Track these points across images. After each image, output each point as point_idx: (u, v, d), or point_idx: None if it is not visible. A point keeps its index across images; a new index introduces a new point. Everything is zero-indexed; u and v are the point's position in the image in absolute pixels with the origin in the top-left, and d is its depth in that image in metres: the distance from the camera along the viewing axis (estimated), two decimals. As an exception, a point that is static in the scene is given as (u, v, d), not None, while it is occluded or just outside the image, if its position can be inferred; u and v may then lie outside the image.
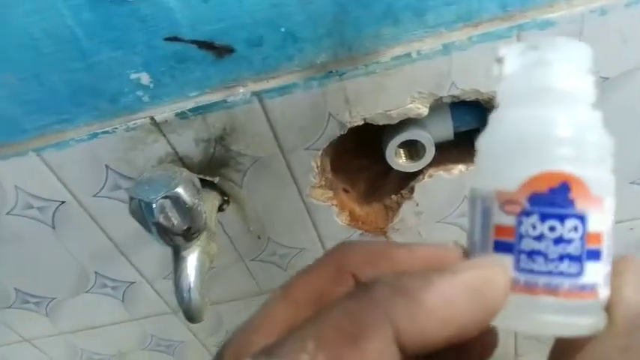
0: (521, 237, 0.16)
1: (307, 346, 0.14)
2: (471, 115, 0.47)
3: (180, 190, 0.39)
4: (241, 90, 0.42)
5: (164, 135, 0.44)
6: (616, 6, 0.38)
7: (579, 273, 0.16)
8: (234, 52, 0.40)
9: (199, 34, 0.39)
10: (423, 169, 0.48)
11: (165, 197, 0.39)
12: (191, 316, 0.43)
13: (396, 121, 0.44)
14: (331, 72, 0.41)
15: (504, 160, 0.17)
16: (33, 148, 0.45)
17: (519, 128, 0.17)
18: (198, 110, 0.43)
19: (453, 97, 0.43)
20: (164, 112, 0.43)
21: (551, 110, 0.17)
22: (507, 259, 0.16)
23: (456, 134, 0.47)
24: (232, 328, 0.68)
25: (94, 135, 0.44)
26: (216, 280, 0.59)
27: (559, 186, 0.16)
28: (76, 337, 0.67)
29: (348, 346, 0.14)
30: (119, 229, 0.52)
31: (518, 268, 0.16)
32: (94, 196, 0.49)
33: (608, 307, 0.17)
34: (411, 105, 0.43)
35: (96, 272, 0.57)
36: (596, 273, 0.16)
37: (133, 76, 0.41)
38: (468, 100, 0.43)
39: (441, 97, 0.43)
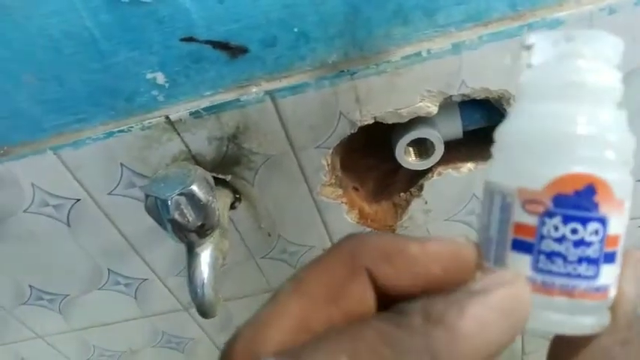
0: (542, 237, 0.16)
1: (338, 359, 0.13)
2: (480, 114, 0.47)
3: (194, 187, 0.40)
4: (254, 89, 0.43)
5: (178, 134, 0.45)
6: (625, 5, 0.38)
7: (596, 275, 0.16)
8: (248, 52, 0.41)
9: (214, 35, 0.40)
10: (432, 167, 0.49)
11: (181, 194, 0.39)
12: (204, 311, 0.43)
13: (406, 120, 0.45)
14: (342, 71, 0.42)
15: (529, 157, 0.17)
16: (51, 146, 0.46)
17: (546, 124, 0.17)
18: (212, 109, 0.44)
19: (463, 95, 0.43)
20: (179, 112, 0.44)
21: (580, 108, 0.17)
22: (526, 260, 0.16)
23: (465, 133, 0.48)
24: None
25: (110, 134, 0.45)
26: (227, 276, 0.59)
27: (585, 188, 0.16)
28: (88, 334, 0.68)
29: None
30: (133, 226, 0.53)
31: (537, 268, 0.16)
32: (109, 194, 0.49)
33: (612, 303, 0.17)
34: (420, 104, 0.43)
35: (109, 269, 0.58)
36: (610, 275, 0.17)
37: (149, 75, 0.42)
38: (477, 98, 0.44)
39: (451, 96, 0.43)
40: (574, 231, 0.16)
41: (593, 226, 0.16)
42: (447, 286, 0.16)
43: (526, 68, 0.18)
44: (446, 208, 0.53)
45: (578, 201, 0.16)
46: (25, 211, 0.51)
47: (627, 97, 0.43)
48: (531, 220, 0.16)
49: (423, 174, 0.51)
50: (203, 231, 0.42)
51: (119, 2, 0.38)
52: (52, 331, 0.67)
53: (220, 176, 0.48)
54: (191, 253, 0.43)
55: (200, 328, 0.68)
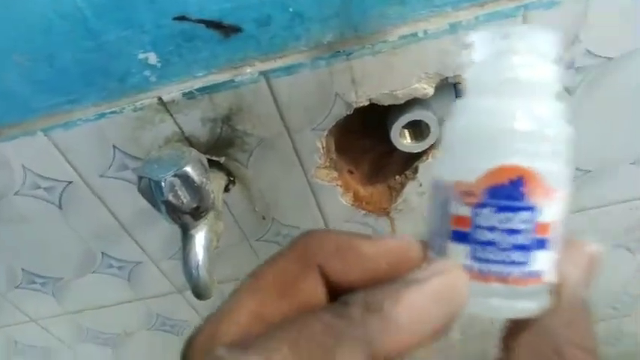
0: (476, 227, 0.17)
1: (282, 348, 0.14)
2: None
3: (188, 168, 0.40)
4: (248, 70, 0.42)
5: (171, 115, 0.44)
6: (621, -15, 0.38)
7: (528, 262, 0.17)
8: (242, 32, 0.40)
9: (207, 14, 0.39)
10: (427, 149, 0.49)
11: (175, 176, 0.39)
12: (199, 293, 0.43)
13: (402, 102, 0.44)
14: (338, 52, 0.41)
15: (466, 152, 0.17)
16: (41, 127, 0.45)
17: (481, 120, 0.17)
18: (205, 90, 0.43)
19: (459, 77, 0.43)
20: (171, 92, 0.43)
21: (513, 102, 0.17)
22: (463, 249, 0.17)
23: (460, 115, 0.48)
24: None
25: (102, 115, 0.44)
26: (221, 259, 0.59)
27: (515, 180, 0.17)
28: (82, 317, 0.68)
29: (322, 356, 0.14)
30: (125, 209, 0.53)
31: (474, 257, 0.17)
32: (101, 176, 0.49)
33: (556, 287, 0.18)
34: (416, 85, 0.43)
35: (102, 252, 0.58)
36: (542, 261, 0.17)
37: (141, 55, 0.41)
38: (473, 80, 0.44)
39: (447, 78, 0.43)
40: (505, 220, 0.17)
41: (522, 215, 0.17)
42: (392, 277, 0.17)
43: (467, 67, 0.19)
44: (440, 190, 0.53)
45: (508, 192, 0.17)
46: (16, 194, 0.51)
47: (624, 78, 0.43)
48: (466, 212, 0.17)
49: (418, 156, 0.50)
50: (197, 213, 0.42)
51: (110, -21, 0.37)
52: (45, 315, 0.67)
53: (214, 158, 0.48)
54: (185, 235, 0.43)
55: (194, 310, 0.68)
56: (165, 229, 0.55)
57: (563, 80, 0.18)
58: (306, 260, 0.18)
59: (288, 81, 0.43)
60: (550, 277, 0.18)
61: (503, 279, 0.17)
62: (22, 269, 0.60)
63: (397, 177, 0.53)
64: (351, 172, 0.55)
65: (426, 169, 0.50)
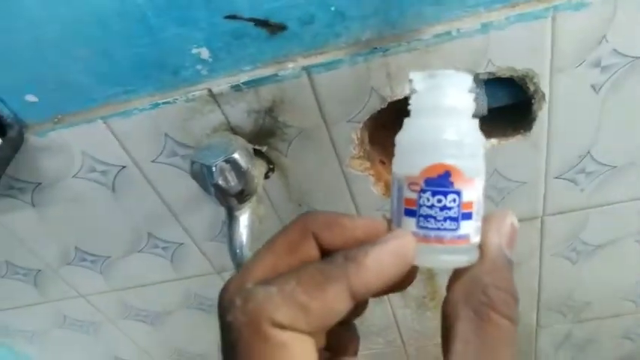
0: (420, 206, 0.24)
1: (291, 282, 0.21)
2: (505, 92, 0.50)
3: (236, 155, 0.44)
4: (291, 65, 0.46)
5: (219, 106, 0.48)
6: (648, -12, 0.40)
7: (457, 228, 0.24)
8: (287, 30, 0.44)
9: (256, 13, 0.43)
10: (457, 142, 0.51)
11: (224, 161, 0.43)
12: (242, 270, 0.47)
13: (434, 96, 0.47)
14: (375, 48, 0.44)
15: (411, 154, 0.25)
16: (100, 116, 0.49)
17: (422, 133, 0.25)
18: (251, 83, 0.47)
19: (489, 73, 0.45)
20: (220, 85, 0.47)
21: (442, 121, 0.24)
22: (412, 221, 0.24)
23: (489, 110, 0.50)
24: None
25: (156, 105, 0.48)
26: (259, 242, 0.63)
27: (443, 173, 0.24)
28: (126, 295, 0.73)
29: (316, 287, 0.21)
30: (173, 193, 0.57)
31: (419, 226, 0.24)
32: (153, 161, 0.53)
33: (480, 247, 0.25)
34: (448, 81, 0.46)
35: (149, 233, 0.62)
36: (468, 227, 0.24)
37: (194, 51, 0.45)
38: (502, 77, 0.46)
39: (478, 74, 0.45)
40: (439, 200, 0.24)
41: (451, 196, 0.24)
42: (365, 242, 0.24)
43: (411, 95, 0.26)
44: (468, 182, 0.55)
45: (440, 181, 0.24)
46: (74, 177, 0.55)
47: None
48: (413, 195, 0.24)
49: (447, 149, 0.53)
50: (243, 196, 0.45)
51: (171, -19, 0.41)
52: (93, 291, 0.72)
53: (256, 147, 0.52)
54: (231, 217, 0.46)
55: (230, 291, 0.72)
56: (208, 213, 0.59)
57: (474, 103, 0.26)
58: (305, 230, 0.24)
59: (327, 76, 0.46)
60: (475, 238, 0.25)
61: (440, 240, 0.24)
62: (75, 247, 0.65)
63: (427, 168, 0.55)
64: (383, 163, 0.57)
65: (455, 161, 0.53)
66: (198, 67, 0.46)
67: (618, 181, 0.55)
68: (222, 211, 0.50)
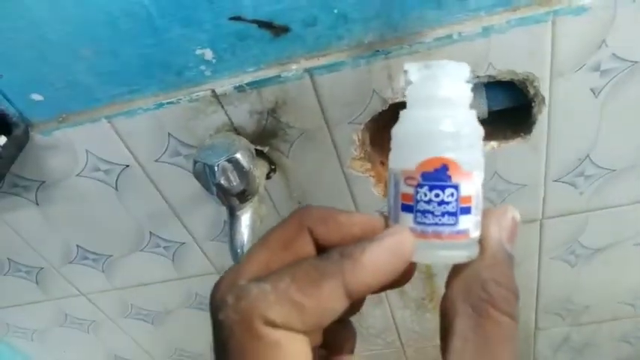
0: (417, 201, 0.23)
1: (285, 279, 0.21)
2: (505, 95, 0.50)
3: (239, 155, 0.44)
4: (294, 67, 0.46)
5: (222, 106, 0.49)
6: (647, -6, 0.40)
7: (455, 223, 0.23)
8: (290, 32, 0.44)
9: (260, 14, 0.43)
10: (457, 144, 0.52)
11: (227, 161, 0.43)
12: (243, 269, 0.47)
13: (435, 99, 0.47)
14: (377, 51, 0.45)
15: (407, 147, 0.24)
16: (105, 115, 0.50)
17: (417, 125, 0.24)
18: (254, 84, 0.47)
19: (490, 77, 0.46)
20: (224, 86, 0.47)
21: (438, 112, 0.24)
22: (410, 217, 0.24)
23: (489, 113, 0.51)
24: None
25: (160, 105, 0.49)
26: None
27: (440, 167, 0.23)
28: (127, 293, 0.73)
29: (311, 284, 0.21)
30: (175, 192, 0.57)
31: (416, 221, 0.24)
32: (156, 161, 0.54)
33: (480, 242, 0.24)
34: (449, 83, 0.46)
35: (151, 232, 0.63)
36: (467, 222, 0.24)
37: (198, 51, 0.45)
38: (503, 80, 0.47)
39: (478, 77, 0.46)
40: (437, 195, 0.23)
41: (449, 190, 0.23)
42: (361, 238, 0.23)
43: (406, 87, 0.25)
44: (468, 184, 0.55)
45: (437, 175, 0.23)
46: (77, 175, 0.56)
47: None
48: (410, 190, 0.24)
49: (448, 151, 0.53)
50: (244, 196, 0.46)
51: (176, -17, 0.41)
52: (94, 289, 0.73)
53: (259, 147, 0.52)
54: (233, 216, 0.47)
55: (230, 291, 0.72)
56: (209, 213, 0.60)
57: (471, 94, 0.25)
58: (300, 226, 0.24)
59: (329, 78, 0.47)
60: (475, 233, 0.24)
61: (438, 236, 0.23)
62: (77, 245, 0.65)
63: (427, 170, 0.56)
64: (383, 164, 0.58)
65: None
66: (202, 67, 0.47)
67: (617, 184, 0.56)
68: (223, 211, 0.51)
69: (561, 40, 0.44)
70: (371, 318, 0.77)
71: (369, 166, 0.55)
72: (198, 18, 0.43)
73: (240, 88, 0.47)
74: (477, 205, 0.24)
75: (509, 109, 0.51)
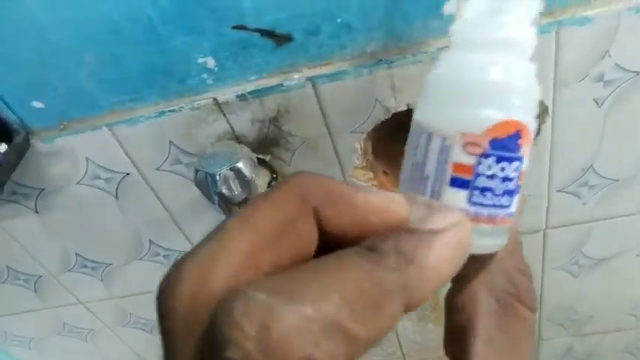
0: (477, 175, 0.18)
1: (332, 298, 0.14)
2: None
3: (241, 164, 0.44)
4: (296, 75, 0.46)
5: (224, 115, 0.48)
6: (652, 5, 0.40)
7: (510, 205, 0.19)
8: (293, 41, 0.44)
9: (263, 23, 0.43)
10: (460, 154, 0.52)
11: (229, 170, 0.43)
12: (244, 279, 0.47)
13: (438, 108, 0.47)
14: (380, 60, 0.45)
15: (469, 104, 0.18)
16: (106, 123, 0.50)
17: (477, 71, 0.18)
18: (256, 93, 0.47)
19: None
20: (226, 94, 0.47)
21: (509, 61, 0.19)
22: (462, 194, 0.19)
23: (492, 122, 0.50)
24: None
25: (162, 113, 0.48)
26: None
27: (514, 133, 0.18)
28: (126, 302, 0.73)
29: (372, 310, 0.14)
30: (176, 201, 0.57)
31: (471, 201, 0.19)
32: (157, 169, 0.53)
33: None
34: (452, 93, 0.46)
35: (150, 241, 0.62)
36: (515, 203, 0.20)
37: (201, 60, 0.45)
38: (506, 89, 0.46)
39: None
40: (502, 169, 0.18)
41: (515, 164, 0.19)
42: (379, 230, 0.17)
43: (459, 19, 0.20)
44: (471, 193, 0.55)
45: (508, 143, 0.18)
46: (77, 183, 0.56)
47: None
48: (470, 160, 0.18)
49: (450, 160, 0.53)
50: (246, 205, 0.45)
51: (179, -9, 0.41)
52: (92, 298, 0.72)
53: (260, 156, 0.52)
54: (234, 225, 0.46)
55: (230, 300, 0.72)
56: (209, 221, 0.59)
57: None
58: (303, 201, 0.16)
59: (332, 87, 0.46)
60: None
61: (492, 220, 0.19)
62: (76, 254, 0.65)
63: (430, 179, 0.55)
64: (385, 174, 0.58)
65: (458, 173, 0.53)
66: (204, 76, 0.46)
67: (621, 194, 0.55)
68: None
69: (565, 51, 0.43)
70: (372, 328, 0.77)
71: (371, 175, 0.55)
72: (200, 26, 0.43)
73: (242, 97, 0.47)
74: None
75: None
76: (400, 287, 0.15)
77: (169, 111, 0.48)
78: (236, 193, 0.44)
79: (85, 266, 0.67)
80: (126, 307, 0.74)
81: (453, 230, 0.16)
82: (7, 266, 0.67)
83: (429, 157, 0.19)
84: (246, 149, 0.45)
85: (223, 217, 0.48)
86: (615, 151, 0.51)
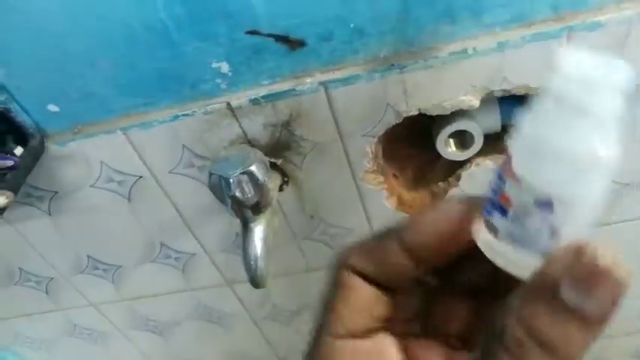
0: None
1: (369, 239, 0.22)
2: (518, 109, 0.50)
3: (254, 168, 0.44)
4: (309, 80, 0.47)
5: (237, 119, 0.49)
6: (663, 10, 0.40)
7: None
8: (306, 46, 0.45)
9: (276, 29, 0.44)
10: (471, 158, 0.52)
11: (242, 173, 0.43)
12: (256, 282, 0.48)
13: (449, 112, 0.48)
14: (392, 65, 0.45)
15: (564, 171, 0.18)
16: (120, 127, 0.50)
17: (584, 145, 0.18)
18: (269, 97, 0.47)
19: (504, 91, 0.46)
20: (239, 99, 0.48)
21: (613, 137, 0.18)
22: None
23: (502, 126, 0.51)
24: (280, 303, 0.73)
25: (176, 117, 0.49)
26: (271, 256, 0.63)
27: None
28: (136, 304, 0.73)
29: (380, 239, 0.22)
30: (188, 204, 0.58)
31: None
32: (170, 172, 0.54)
33: None
34: (463, 97, 0.46)
35: (161, 243, 0.63)
36: None
37: (215, 65, 0.46)
38: (517, 94, 0.47)
39: (492, 91, 0.46)
40: None
41: None
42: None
43: (561, 74, 0.18)
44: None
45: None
46: (91, 186, 0.56)
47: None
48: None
49: (461, 164, 0.54)
50: (258, 208, 0.46)
51: (194, -3, 0.42)
52: (103, 300, 0.73)
53: (272, 160, 0.52)
54: (246, 228, 0.47)
55: (240, 303, 0.72)
56: (220, 224, 0.60)
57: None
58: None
59: (344, 91, 0.47)
60: None
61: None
62: (88, 256, 0.65)
63: (440, 183, 0.56)
64: (396, 177, 0.58)
65: (469, 177, 0.53)
66: (218, 80, 0.47)
67: (631, 198, 0.55)
68: (234, 223, 0.51)
69: (576, 56, 0.44)
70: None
71: (381, 179, 0.55)
72: (214, 32, 0.44)
73: (255, 101, 0.48)
74: None
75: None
76: (397, 231, 0.22)
77: (183, 115, 0.49)
78: (249, 196, 0.44)
79: (96, 268, 0.67)
80: (136, 309, 0.74)
81: (442, 204, 0.22)
82: (19, 268, 0.68)
83: (527, 211, 0.19)
84: (259, 153, 0.46)
85: (235, 220, 0.49)
86: (625, 155, 0.51)
